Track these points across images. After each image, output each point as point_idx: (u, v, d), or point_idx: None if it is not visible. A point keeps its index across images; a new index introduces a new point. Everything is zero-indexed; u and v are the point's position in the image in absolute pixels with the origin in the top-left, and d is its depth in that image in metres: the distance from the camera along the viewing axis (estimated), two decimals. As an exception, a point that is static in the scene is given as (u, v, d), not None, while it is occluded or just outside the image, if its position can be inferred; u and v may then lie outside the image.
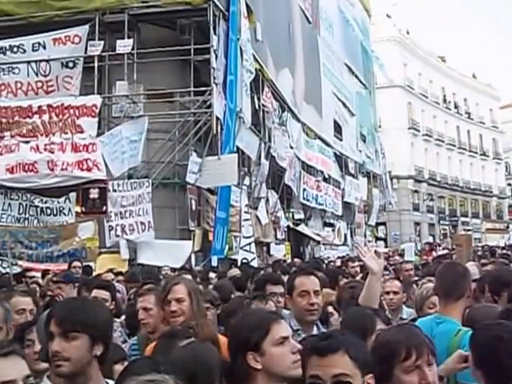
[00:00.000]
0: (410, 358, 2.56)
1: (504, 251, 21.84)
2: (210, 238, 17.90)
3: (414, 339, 2.64)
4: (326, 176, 31.49)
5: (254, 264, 17.21)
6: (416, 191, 56.99)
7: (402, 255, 24.41)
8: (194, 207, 18.55)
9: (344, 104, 36.01)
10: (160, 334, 4.02)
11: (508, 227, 63.57)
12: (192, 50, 18.28)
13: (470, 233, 45.56)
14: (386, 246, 42.56)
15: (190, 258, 16.70)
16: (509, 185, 77.47)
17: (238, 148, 19.84)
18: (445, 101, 65.75)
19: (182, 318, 4.30)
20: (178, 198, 18.45)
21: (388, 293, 6.39)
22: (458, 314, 4.16)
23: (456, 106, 67.76)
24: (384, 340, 2.73)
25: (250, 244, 19.55)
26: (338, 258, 22.78)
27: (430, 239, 51.14)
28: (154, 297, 4.88)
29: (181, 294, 4.37)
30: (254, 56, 20.74)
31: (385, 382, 2.57)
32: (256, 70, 21.02)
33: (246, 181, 21.38)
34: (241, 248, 19.19)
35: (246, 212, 20.22)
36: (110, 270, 11.43)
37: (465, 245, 15.52)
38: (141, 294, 5.10)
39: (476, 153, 69.89)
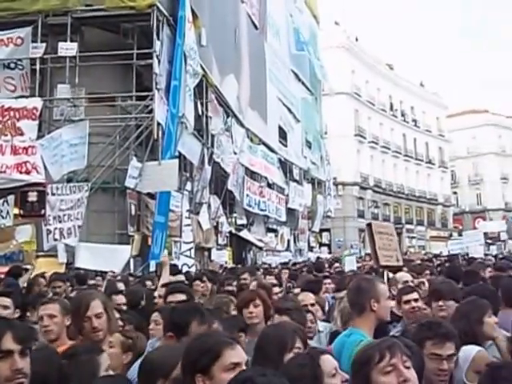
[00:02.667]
0: (384, 359, 2.60)
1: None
2: (149, 242, 17.91)
3: (387, 342, 2.72)
4: (270, 182, 31.74)
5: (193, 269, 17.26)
6: (361, 198, 57.56)
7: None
8: (133, 212, 18.56)
9: (289, 110, 36.32)
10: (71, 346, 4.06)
11: (451, 235, 64.74)
12: (135, 55, 18.33)
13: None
14: (330, 253, 43.03)
15: (128, 262, 16.64)
16: (454, 193, 79.09)
17: (180, 153, 19.90)
18: (392, 108, 66.65)
19: (101, 332, 4.45)
20: (118, 202, 18.42)
21: (306, 305, 6.23)
22: (365, 326, 4.30)
23: (403, 114, 68.75)
24: (361, 350, 2.80)
25: (190, 249, 19.58)
26: (281, 264, 23.02)
27: (372, 246, 51.82)
28: (58, 305, 4.86)
29: (99, 309, 4.49)
30: (198, 62, 20.79)
31: None
32: (200, 75, 21.09)
33: (188, 186, 21.42)
34: (181, 253, 19.22)
35: (187, 217, 20.28)
36: (42, 275, 11.34)
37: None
38: (44, 303, 5.05)
39: (422, 161, 71.02)
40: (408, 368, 2.60)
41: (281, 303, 5.38)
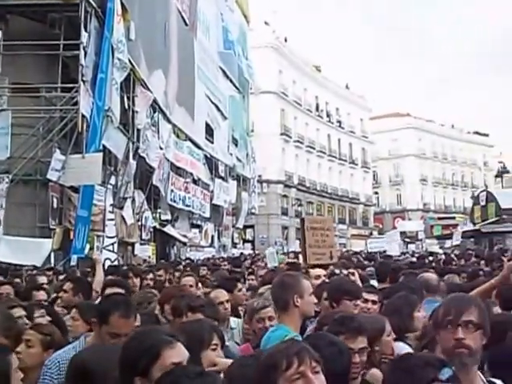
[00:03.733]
0: (292, 366, 2.45)
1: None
2: (71, 236, 17.71)
3: (295, 348, 2.55)
4: (195, 178, 31.81)
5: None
6: (285, 196, 58.15)
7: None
8: (55, 205, 18.29)
9: (217, 107, 36.44)
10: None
11: (371, 233, 66.29)
12: (61, 46, 18.04)
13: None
14: (254, 249, 43.40)
15: (49, 256, 16.43)
16: (375, 193, 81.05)
17: (104, 147, 19.73)
18: (318, 109, 67.56)
19: None
20: (39, 195, 18.12)
21: (221, 303, 6.05)
22: (290, 322, 4.35)
23: (328, 115, 69.83)
24: (263, 355, 2.67)
25: (113, 244, 19.47)
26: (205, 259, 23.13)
27: (297, 243, 52.50)
28: None
29: None
30: (126, 55, 20.65)
31: None
32: (128, 69, 20.95)
33: (112, 180, 21.26)
34: (104, 248, 19.08)
35: (110, 212, 20.14)
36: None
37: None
38: None
39: (345, 161, 72.39)
40: (317, 373, 2.49)
41: (193, 300, 5.22)
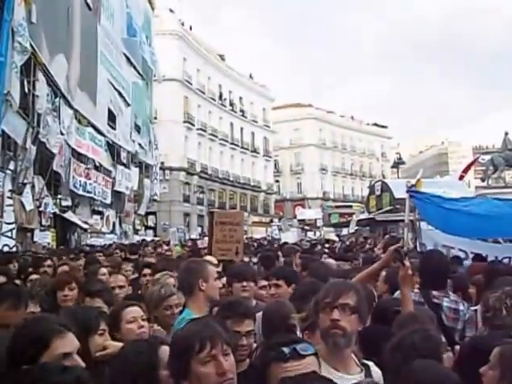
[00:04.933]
0: (205, 349, 2.55)
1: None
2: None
3: (208, 331, 2.63)
4: (97, 164, 31.60)
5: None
6: (187, 183, 58.22)
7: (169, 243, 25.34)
8: (-48, 190, 17.94)
9: (120, 93, 36.19)
10: None
11: (272, 221, 67.31)
12: (-41, 28, 17.63)
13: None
14: (155, 235, 43.47)
15: None
16: (276, 181, 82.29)
17: (3, 131, 19.42)
18: (221, 98, 67.83)
19: None
20: None
21: (114, 288, 6.06)
22: (195, 306, 4.55)
23: (231, 104, 70.25)
24: (178, 336, 2.73)
25: (11, 230, 19.24)
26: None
27: (199, 230, 52.82)
28: None
29: None
30: (27, 39, 20.31)
31: (183, 378, 2.56)
32: (29, 53, 20.61)
33: (11, 165, 20.95)
34: (1, 234, 18.84)
35: (9, 197, 19.86)
36: None
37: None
38: None
39: (247, 149, 73.13)
40: (227, 355, 2.58)
41: (90, 285, 5.26)
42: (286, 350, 2.45)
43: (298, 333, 3.93)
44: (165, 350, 2.88)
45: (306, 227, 52.73)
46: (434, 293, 5.23)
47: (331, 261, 8.05)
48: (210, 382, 2.49)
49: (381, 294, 5.87)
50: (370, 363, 3.22)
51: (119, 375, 2.86)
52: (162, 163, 50.22)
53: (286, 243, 20.64)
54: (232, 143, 69.47)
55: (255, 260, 9.93)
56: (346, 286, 3.26)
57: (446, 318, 5.09)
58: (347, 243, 25.84)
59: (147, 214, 46.60)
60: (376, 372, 3.18)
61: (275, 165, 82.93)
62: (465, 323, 5.15)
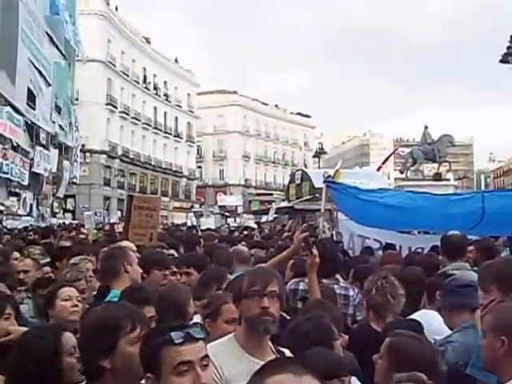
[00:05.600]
0: (136, 330, 2.66)
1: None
2: None
3: (138, 313, 2.80)
4: (15, 144, 30.97)
5: None
6: (108, 166, 57.55)
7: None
8: None
9: (41, 73, 35.40)
10: None
11: (193, 207, 67.29)
12: None
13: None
14: (74, 219, 42.94)
15: None
16: (199, 167, 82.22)
17: None
18: (145, 81, 67.15)
19: None
20: None
21: (19, 272, 6.03)
22: (122, 288, 4.49)
23: (155, 88, 69.60)
24: (104, 315, 2.75)
25: None
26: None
27: (119, 214, 52.37)
28: None
29: None
30: None
31: (104, 357, 2.61)
32: None
33: None
34: None
35: None
36: None
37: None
38: None
39: (170, 134, 72.72)
40: None
41: None
42: (179, 333, 2.41)
43: (200, 319, 4.01)
44: (68, 337, 2.98)
45: (227, 214, 52.98)
46: (325, 281, 5.35)
47: (242, 248, 8.22)
48: (135, 362, 2.53)
49: (287, 280, 5.90)
50: (286, 350, 3.25)
51: (21, 361, 2.90)
52: (83, 145, 49.57)
53: (208, 229, 20.87)
54: (155, 127, 68.98)
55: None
56: (271, 274, 3.31)
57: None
58: (266, 231, 26.19)
59: (66, 196, 45.96)
60: None
61: (198, 150, 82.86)
62: (355, 308, 5.37)
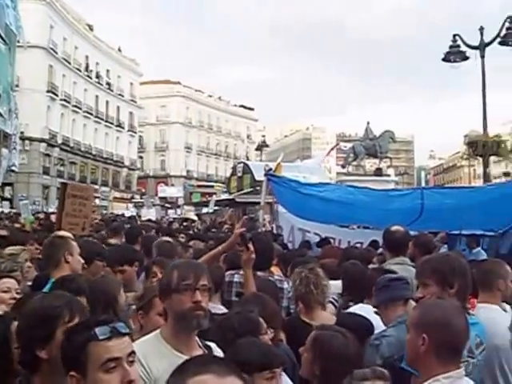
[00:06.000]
0: (74, 320, 2.64)
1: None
2: None
3: (76, 303, 2.79)
4: (-48, 131, 30.36)
5: None
6: (48, 155, 56.56)
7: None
8: None
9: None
10: None
11: (133, 197, 66.96)
12: None
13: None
14: (12, 207, 42.25)
15: None
16: (140, 157, 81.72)
17: None
18: (87, 69, 66.09)
19: None
20: None
21: None
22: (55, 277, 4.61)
23: (98, 76, 68.58)
24: (42, 304, 2.74)
25: None
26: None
27: (56, 202, 51.62)
28: None
29: None
30: None
31: (41, 347, 2.59)
32: None
33: None
34: None
35: None
36: None
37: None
38: None
39: (112, 123, 71.86)
40: None
41: None
42: (105, 328, 2.36)
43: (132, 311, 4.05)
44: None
45: (168, 205, 52.97)
46: (259, 273, 5.34)
47: (167, 239, 8.16)
48: None
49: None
50: (212, 344, 3.22)
51: None
52: (22, 133, 48.58)
53: (150, 220, 20.92)
54: (96, 116, 68.03)
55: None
56: (202, 267, 3.28)
57: None
58: (208, 223, 26.38)
59: (4, 184, 44.99)
60: (218, 353, 3.15)
61: (140, 141, 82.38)
62: (289, 300, 5.36)
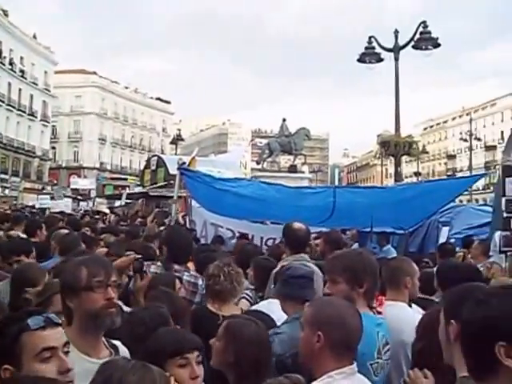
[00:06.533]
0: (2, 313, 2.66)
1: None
2: None
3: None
4: None
5: None
6: (-44, 143, 54.79)
7: None
8: None
9: None
10: None
11: (44, 188, 65.61)
12: None
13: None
14: None
15: None
16: (53, 148, 79.94)
17: None
18: (0, 55, 64.25)
19: None
20: None
21: None
22: None
23: (11, 63, 66.71)
24: None
25: None
26: None
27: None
28: None
29: None
30: None
31: None
32: None
33: None
34: None
35: None
36: None
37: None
38: None
39: (24, 112, 70.12)
40: None
41: None
42: (39, 318, 2.34)
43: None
44: None
45: (79, 197, 52.32)
46: (176, 267, 5.50)
47: (64, 232, 7.96)
48: None
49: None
50: (118, 343, 3.10)
51: None
52: None
53: (62, 212, 20.75)
54: (8, 104, 66.11)
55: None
56: (110, 263, 3.24)
57: (185, 290, 5.26)
58: (120, 215, 26.36)
59: None
60: (124, 352, 3.06)
61: (53, 131, 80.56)
62: (202, 296, 5.39)
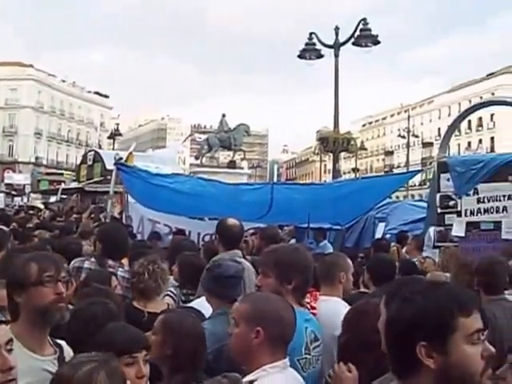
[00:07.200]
0: None
1: None
2: None
3: None
4: None
5: None
6: None
7: None
8: None
9: None
10: None
11: None
12: None
13: None
14: None
15: None
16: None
17: None
18: None
19: None
20: None
21: None
22: None
23: None
24: None
25: None
26: None
27: None
28: None
29: None
30: None
31: None
32: None
33: None
34: None
35: None
36: None
37: None
38: None
39: (-44, 104, 67.91)
40: None
41: None
42: None
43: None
44: None
45: (14, 192, 51.21)
46: (110, 262, 5.47)
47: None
48: None
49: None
50: (62, 342, 3.07)
51: None
52: None
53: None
54: None
55: None
56: (59, 259, 3.21)
57: (120, 286, 5.16)
58: (55, 211, 25.96)
59: None
60: (68, 351, 3.03)
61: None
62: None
